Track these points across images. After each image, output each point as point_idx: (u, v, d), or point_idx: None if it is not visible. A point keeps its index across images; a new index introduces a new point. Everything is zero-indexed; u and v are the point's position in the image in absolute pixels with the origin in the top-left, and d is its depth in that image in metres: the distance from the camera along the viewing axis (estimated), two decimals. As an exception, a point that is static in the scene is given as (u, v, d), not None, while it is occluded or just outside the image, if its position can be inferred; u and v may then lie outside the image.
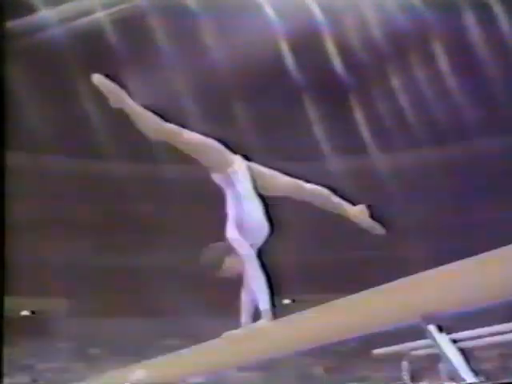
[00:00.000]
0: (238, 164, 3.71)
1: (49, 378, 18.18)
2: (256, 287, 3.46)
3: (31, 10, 18.10)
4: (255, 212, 3.66)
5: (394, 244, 19.26)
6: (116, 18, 18.48)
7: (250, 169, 3.72)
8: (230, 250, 3.56)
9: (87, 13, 18.52)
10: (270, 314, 3.40)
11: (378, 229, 3.74)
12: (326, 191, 3.77)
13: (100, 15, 18.57)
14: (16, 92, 17.89)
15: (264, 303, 3.42)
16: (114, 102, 3.69)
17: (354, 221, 3.74)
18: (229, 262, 3.56)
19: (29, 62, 17.98)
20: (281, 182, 3.77)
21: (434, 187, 18.49)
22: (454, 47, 18.11)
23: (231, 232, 3.59)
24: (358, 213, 3.74)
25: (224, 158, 3.73)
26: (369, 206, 3.76)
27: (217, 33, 18.53)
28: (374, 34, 18.62)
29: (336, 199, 3.77)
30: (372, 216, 3.73)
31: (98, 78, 3.66)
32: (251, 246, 3.60)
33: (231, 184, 3.68)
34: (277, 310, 3.47)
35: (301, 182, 3.79)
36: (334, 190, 3.75)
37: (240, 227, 3.61)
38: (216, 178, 3.74)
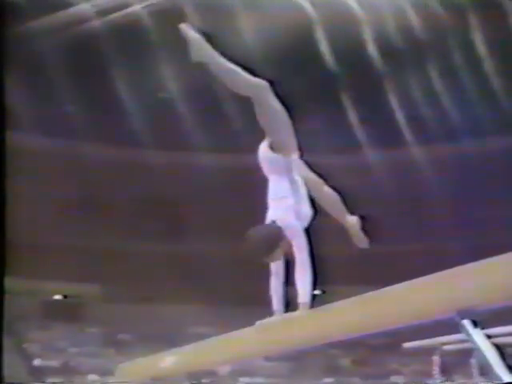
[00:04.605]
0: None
1: (80, 361, 18.43)
2: (302, 279, 3.39)
3: (69, 3, 18.37)
4: (306, 199, 3.65)
5: (430, 237, 19.12)
6: (153, 10, 18.61)
7: None
8: (281, 234, 3.50)
9: (124, 6, 18.72)
10: (307, 308, 3.37)
11: (364, 242, 3.84)
12: (337, 196, 3.80)
13: (137, 8, 18.75)
14: (54, 81, 18.15)
15: (305, 297, 3.38)
16: (195, 56, 3.53)
17: (346, 227, 3.83)
18: (282, 248, 3.50)
19: (66, 54, 18.24)
20: (304, 174, 3.75)
21: (473, 180, 18.23)
22: (492, 36, 17.80)
23: (291, 220, 3.52)
24: (353, 222, 3.80)
25: (292, 142, 3.63)
26: (362, 218, 3.84)
27: (252, 19, 18.51)
28: (411, 20, 18.41)
29: (342, 206, 3.83)
30: (363, 228, 3.85)
31: (184, 27, 3.53)
32: None
33: (290, 169, 3.61)
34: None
35: (320, 180, 3.79)
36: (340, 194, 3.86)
37: (298, 214, 3.58)
38: (275, 158, 3.60)
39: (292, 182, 3.61)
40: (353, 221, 3.80)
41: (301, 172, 3.70)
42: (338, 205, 3.81)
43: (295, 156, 3.64)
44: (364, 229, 3.84)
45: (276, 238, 3.47)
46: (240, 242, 3.55)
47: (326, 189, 3.78)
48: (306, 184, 3.72)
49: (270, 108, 3.55)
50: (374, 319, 2.82)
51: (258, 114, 3.56)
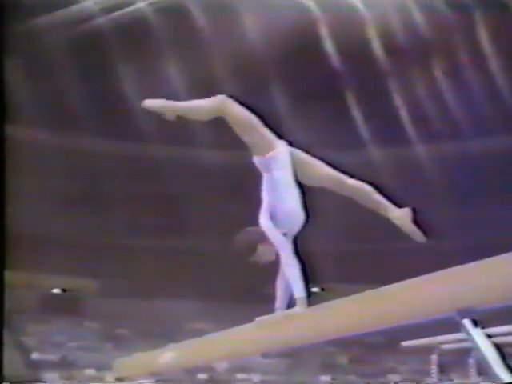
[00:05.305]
0: (280, 149, 3.65)
1: (78, 356, 18.42)
2: (290, 275, 3.42)
3: (74, 0, 18.43)
4: (291, 200, 3.59)
5: (431, 236, 19.06)
6: (158, 7, 18.65)
7: (292, 155, 3.66)
8: (265, 236, 3.53)
9: (129, 3, 18.76)
10: (305, 302, 3.37)
11: (419, 236, 3.58)
12: (368, 188, 3.65)
13: (141, 5, 18.79)
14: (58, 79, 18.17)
15: (299, 291, 3.39)
16: (170, 116, 3.74)
17: (394, 223, 3.59)
18: (261, 249, 3.54)
19: (69, 49, 18.27)
20: (322, 173, 3.70)
21: (475, 179, 18.19)
22: (498, 34, 17.74)
23: (263, 219, 3.56)
24: (400, 215, 3.58)
25: (266, 141, 3.66)
26: (413, 211, 3.59)
27: (256, 17, 18.50)
28: (415, 18, 18.37)
29: (378, 197, 3.64)
30: (415, 221, 3.58)
31: (148, 103, 3.71)
32: (285, 234, 3.55)
33: (269, 169, 3.63)
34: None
35: (343, 176, 3.69)
36: (377, 187, 3.66)
37: (274, 215, 3.56)
38: (256, 160, 3.70)
39: (271, 180, 3.63)
40: (399, 213, 3.56)
41: (317, 171, 3.67)
42: (373, 197, 3.62)
43: (274, 155, 3.63)
44: (416, 222, 3.52)
45: (256, 237, 3.53)
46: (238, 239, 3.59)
47: (352, 183, 3.67)
48: (329, 183, 3.69)
49: (237, 116, 3.69)
50: (374, 318, 2.82)
51: (230, 124, 3.72)
